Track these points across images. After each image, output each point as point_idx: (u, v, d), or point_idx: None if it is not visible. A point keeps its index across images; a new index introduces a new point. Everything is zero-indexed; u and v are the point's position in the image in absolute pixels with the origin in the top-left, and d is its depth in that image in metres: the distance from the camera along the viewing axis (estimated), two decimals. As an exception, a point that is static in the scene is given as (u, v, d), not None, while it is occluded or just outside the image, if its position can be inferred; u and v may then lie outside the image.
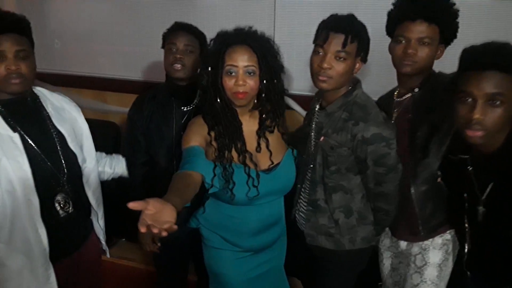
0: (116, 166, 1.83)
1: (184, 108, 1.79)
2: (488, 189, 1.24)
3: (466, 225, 1.36)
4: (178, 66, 1.72)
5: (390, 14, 1.55)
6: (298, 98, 2.36)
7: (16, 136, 1.38)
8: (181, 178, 1.28)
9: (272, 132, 1.54)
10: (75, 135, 1.57)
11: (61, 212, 1.47)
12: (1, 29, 1.34)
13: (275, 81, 1.46)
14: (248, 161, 1.46)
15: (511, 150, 1.19)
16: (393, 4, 1.54)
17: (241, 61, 1.38)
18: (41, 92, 1.56)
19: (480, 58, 1.14)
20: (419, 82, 1.53)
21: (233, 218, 1.53)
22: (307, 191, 1.63)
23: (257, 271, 1.59)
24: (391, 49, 1.54)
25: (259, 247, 1.58)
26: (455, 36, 1.52)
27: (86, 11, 2.87)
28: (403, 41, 1.48)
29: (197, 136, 1.44)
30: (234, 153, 1.46)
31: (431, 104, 1.48)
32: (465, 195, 1.33)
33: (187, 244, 1.87)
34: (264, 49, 1.42)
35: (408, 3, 1.48)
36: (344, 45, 1.39)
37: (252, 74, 1.40)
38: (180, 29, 1.77)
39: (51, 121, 1.51)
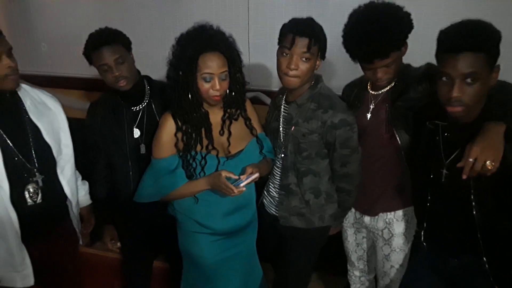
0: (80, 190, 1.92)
1: (134, 109, 1.82)
2: (454, 155, 1.38)
3: (429, 196, 1.49)
4: (122, 82, 1.72)
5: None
6: (273, 94, 2.50)
7: None
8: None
9: (236, 119, 1.69)
10: (52, 129, 1.65)
11: (29, 201, 1.55)
12: None
13: (238, 75, 1.61)
14: (213, 151, 1.60)
15: (484, 122, 1.32)
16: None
17: (217, 68, 1.52)
18: (22, 87, 1.62)
19: (455, 40, 1.24)
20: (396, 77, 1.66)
21: (205, 202, 1.66)
22: (278, 178, 1.78)
23: (229, 252, 1.73)
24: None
25: (231, 230, 1.71)
26: None
27: (72, 14, 2.96)
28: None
29: (168, 146, 1.60)
30: (198, 144, 1.60)
31: (407, 93, 1.60)
32: (431, 160, 1.46)
33: (151, 233, 1.97)
34: (231, 52, 1.56)
35: None
36: (308, 47, 1.54)
37: (225, 78, 1.55)
38: (100, 45, 1.69)
39: (28, 115, 1.59)
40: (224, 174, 1.54)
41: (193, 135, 1.59)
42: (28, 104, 1.60)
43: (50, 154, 1.63)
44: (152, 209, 1.79)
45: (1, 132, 1.50)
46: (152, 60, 1.88)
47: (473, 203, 1.35)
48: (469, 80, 1.24)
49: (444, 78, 1.28)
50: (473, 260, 1.43)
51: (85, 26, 2.98)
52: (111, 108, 1.84)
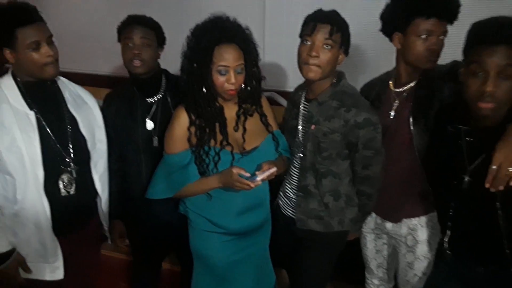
0: None
1: (148, 100, 1.79)
2: (477, 161, 1.30)
3: (452, 203, 1.41)
4: (137, 62, 1.70)
5: None
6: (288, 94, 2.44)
7: (32, 114, 1.49)
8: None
9: (251, 115, 1.62)
10: (88, 122, 1.66)
11: (62, 191, 1.55)
12: None
13: (255, 69, 1.55)
14: (227, 147, 1.54)
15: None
16: None
17: (232, 61, 1.45)
18: (61, 79, 1.65)
19: (492, 32, 1.17)
20: (420, 73, 1.58)
21: (219, 200, 1.59)
22: (296, 178, 1.70)
23: (241, 253, 1.65)
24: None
25: (244, 230, 1.64)
26: None
27: (83, 10, 2.94)
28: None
29: (181, 141, 1.54)
30: (212, 140, 1.54)
31: (431, 92, 1.53)
32: (453, 165, 1.38)
33: (162, 231, 1.90)
34: (248, 44, 1.50)
35: None
36: (330, 34, 1.47)
37: (241, 71, 1.49)
38: (134, 22, 1.72)
39: (66, 105, 1.60)
40: (235, 170, 1.47)
41: (207, 129, 1.53)
42: (67, 95, 1.62)
43: (85, 146, 1.64)
44: (164, 206, 1.72)
45: (41, 118, 1.51)
46: (163, 56, 1.84)
47: (499, 212, 1.26)
48: (503, 75, 1.16)
49: (476, 72, 1.20)
50: (500, 269, 1.35)
51: (96, 23, 2.99)
52: (125, 99, 1.80)
